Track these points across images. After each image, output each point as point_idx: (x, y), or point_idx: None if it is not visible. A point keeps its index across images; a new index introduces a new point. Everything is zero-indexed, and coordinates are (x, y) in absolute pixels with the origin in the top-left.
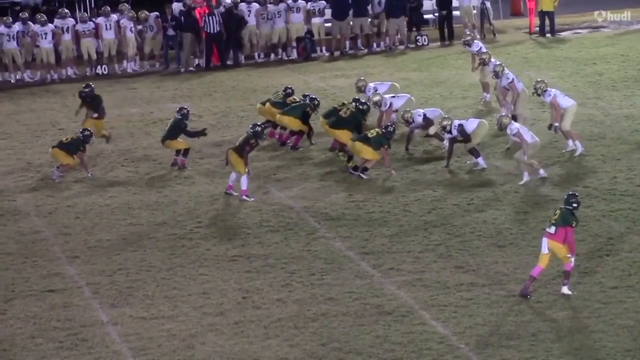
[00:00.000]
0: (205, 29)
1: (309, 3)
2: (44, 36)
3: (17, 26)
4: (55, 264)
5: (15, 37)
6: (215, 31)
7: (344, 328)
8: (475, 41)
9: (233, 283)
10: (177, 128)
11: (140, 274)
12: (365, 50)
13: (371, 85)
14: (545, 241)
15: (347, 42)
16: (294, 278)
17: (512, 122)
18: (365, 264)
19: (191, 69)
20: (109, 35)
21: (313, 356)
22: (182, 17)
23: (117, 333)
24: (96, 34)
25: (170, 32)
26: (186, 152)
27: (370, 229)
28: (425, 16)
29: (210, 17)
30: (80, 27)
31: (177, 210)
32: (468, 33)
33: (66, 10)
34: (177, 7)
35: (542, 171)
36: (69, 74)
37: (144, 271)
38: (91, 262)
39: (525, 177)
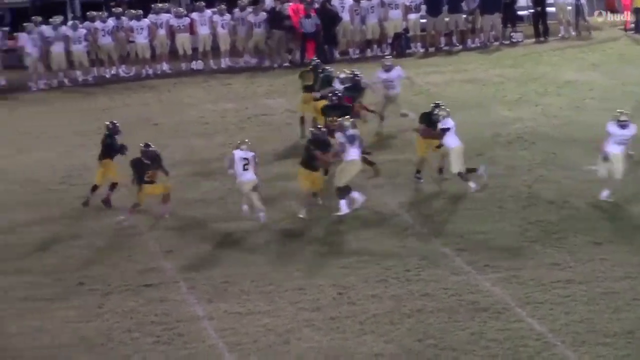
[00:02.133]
0: (302, 29)
1: None
2: (139, 31)
3: (111, 21)
4: (151, 258)
5: (110, 32)
6: (311, 32)
7: (439, 324)
8: None
9: (329, 279)
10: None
11: (236, 269)
12: (460, 47)
13: None
14: None
15: (442, 39)
16: (389, 274)
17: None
18: (460, 260)
19: (286, 64)
20: (203, 30)
21: (408, 352)
22: (272, 14)
23: (213, 328)
24: (191, 29)
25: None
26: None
27: (466, 225)
28: (520, 12)
29: (306, 20)
30: (175, 22)
31: (273, 206)
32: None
33: (160, 5)
34: (270, 3)
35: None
36: (163, 69)
37: (240, 266)
38: (187, 257)
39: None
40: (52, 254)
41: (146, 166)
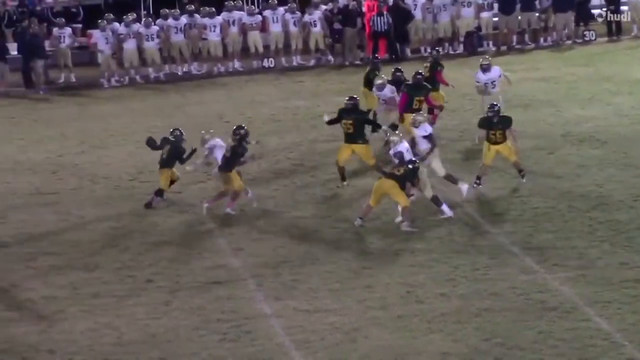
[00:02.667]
0: (373, 27)
1: None
2: (212, 29)
3: (184, 19)
4: (220, 255)
5: (182, 29)
6: (383, 30)
7: (507, 323)
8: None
9: (397, 277)
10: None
11: (304, 267)
12: (533, 45)
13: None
14: None
15: (514, 37)
16: (457, 273)
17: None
18: (529, 260)
19: (357, 62)
20: (275, 28)
21: (476, 351)
22: (345, 12)
23: (281, 326)
24: (263, 27)
25: (337, 25)
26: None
27: (535, 224)
28: (593, 11)
29: (378, 18)
30: (247, 19)
31: (341, 204)
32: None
33: (233, 3)
34: (343, 1)
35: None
36: (235, 66)
37: (308, 264)
38: (255, 254)
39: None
40: (122, 251)
41: (240, 156)
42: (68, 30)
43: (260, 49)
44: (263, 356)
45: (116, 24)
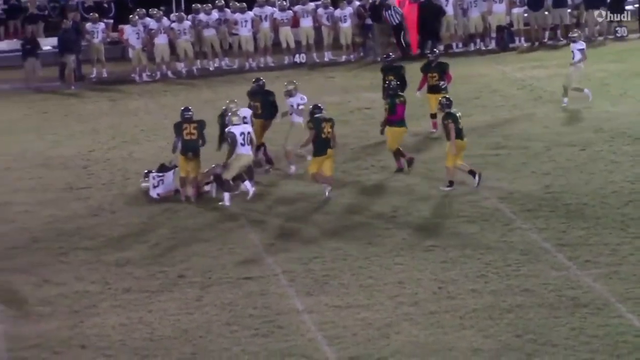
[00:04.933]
0: (390, 22)
1: None
2: (243, 24)
3: (215, 14)
4: (251, 251)
5: (213, 24)
6: (396, 23)
7: (539, 320)
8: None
9: (428, 273)
10: None
11: (336, 263)
12: (564, 41)
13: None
14: None
15: (547, 33)
16: (489, 269)
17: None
18: (561, 256)
19: (436, 50)
20: (306, 23)
21: (508, 347)
22: (373, 8)
23: (313, 321)
24: (294, 22)
25: (369, 21)
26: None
27: (567, 220)
28: (625, 7)
29: (387, 12)
30: (278, 15)
31: (372, 199)
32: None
33: None
34: None
35: (292, 167)
36: (267, 62)
37: (339, 260)
38: (287, 250)
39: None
40: (153, 246)
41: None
42: (101, 25)
43: (292, 45)
44: (295, 352)
45: (148, 19)
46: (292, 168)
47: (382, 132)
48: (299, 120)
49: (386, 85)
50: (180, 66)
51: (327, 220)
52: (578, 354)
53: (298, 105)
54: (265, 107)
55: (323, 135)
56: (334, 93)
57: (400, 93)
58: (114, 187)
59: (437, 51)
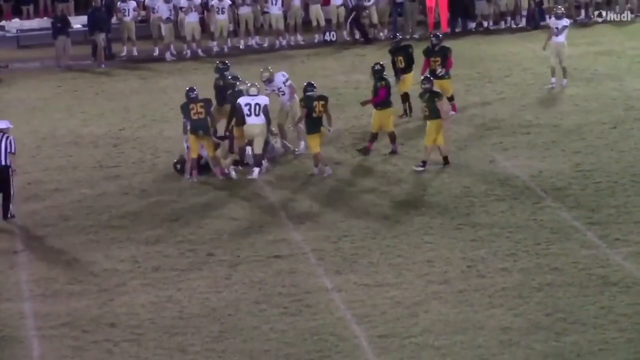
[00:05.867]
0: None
1: None
2: (274, 2)
3: None
4: (281, 230)
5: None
6: (352, 5)
7: (568, 298)
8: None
9: (458, 252)
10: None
11: (365, 241)
12: (595, 19)
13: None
14: None
15: (582, 11)
16: (519, 247)
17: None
18: (591, 234)
19: (415, 36)
20: (337, 1)
21: (537, 326)
22: None
23: (341, 300)
24: (325, 0)
25: None
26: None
27: (598, 199)
28: None
29: None
30: None
31: (402, 178)
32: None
33: None
34: None
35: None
36: (297, 40)
37: (368, 238)
38: (316, 228)
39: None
40: (183, 225)
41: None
42: (132, 3)
43: (322, 23)
44: (324, 330)
45: None
46: (302, 145)
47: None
48: (294, 98)
49: (396, 66)
50: (213, 44)
51: (355, 198)
52: (607, 333)
53: (285, 83)
54: None
55: (314, 114)
56: (364, 71)
57: (384, 76)
58: (144, 165)
59: (441, 35)
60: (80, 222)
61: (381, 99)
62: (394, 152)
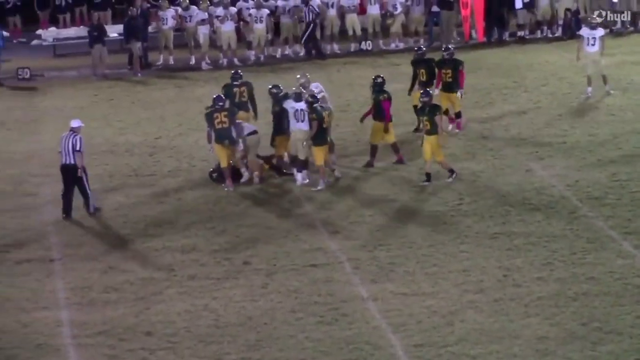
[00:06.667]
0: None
1: None
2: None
3: (281, 1)
4: (317, 238)
5: (286, 11)
6: (310, 19)
7: (604, 308)
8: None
9: (493, 261)
10: None
11: (401, 250)
12: (631, 29)
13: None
14: None
15: (619, 20)
16: (555, 257)
17: None
18: (627, 244)
19: (450, 46)
20: (373, 10)
21: (573, 335)
22: None
23: (377, 309)
24: (361, 9)
25: (435, 8)
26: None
27: (634, 208)
28: None
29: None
30: (345, 2)
31: (438, 186)
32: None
33: None
34: None
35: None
36: (333, 49)
37: (405, 247)
38: (352, 237)
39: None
40: (219, 234)
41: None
42: (171, 11)
43: (358, 32)
44: (360, 339)
45: (214, 7)
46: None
47: (361, 121)
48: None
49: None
50: (251, 54)
51: (391, 207)
52: None
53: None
54: None
55: (325, 125)
56: (399, 81)
57: (384, 89)
58: (180, 174)
59: (453, 47)
60: (116, 231)
61: (383, 112)
62: (400, 162)
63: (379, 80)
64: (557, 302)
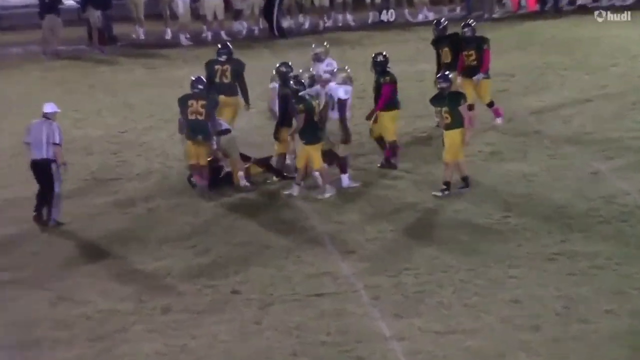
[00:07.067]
0: None
1: None
2: None
3: None
4: (324, 260)
5: None
6: None
7: None
8: None
9: (552, 289)
10: None
11: (432, 275)
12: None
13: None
14: None
15: None
16: (630, 283)
17: None
18: None
19: (495, 15)
20: None
21: None
22: None
23: (403, 351)
24: None
25: None
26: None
27: None
28: None
29: None
30: None
31: (480, 193)
32: None
33: None
34: None
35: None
36: (346, 20)
37: (437, 271)
38: (370, 259)
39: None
40: (200, 253)
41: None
42: None
43: None
44: None
45: None
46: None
47: (368, 118)
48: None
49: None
50: (243, 25)
51: (419, 219)
52: None
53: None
54: None
55: (315, 118)
56: (430, 60)
57: (387, 70)
58: (151, 177)
59: (473, 22)
60: (69, 249)
61: (386, 99)
62: (391, 165)
63: (380, 59)
64: (633, 343)
